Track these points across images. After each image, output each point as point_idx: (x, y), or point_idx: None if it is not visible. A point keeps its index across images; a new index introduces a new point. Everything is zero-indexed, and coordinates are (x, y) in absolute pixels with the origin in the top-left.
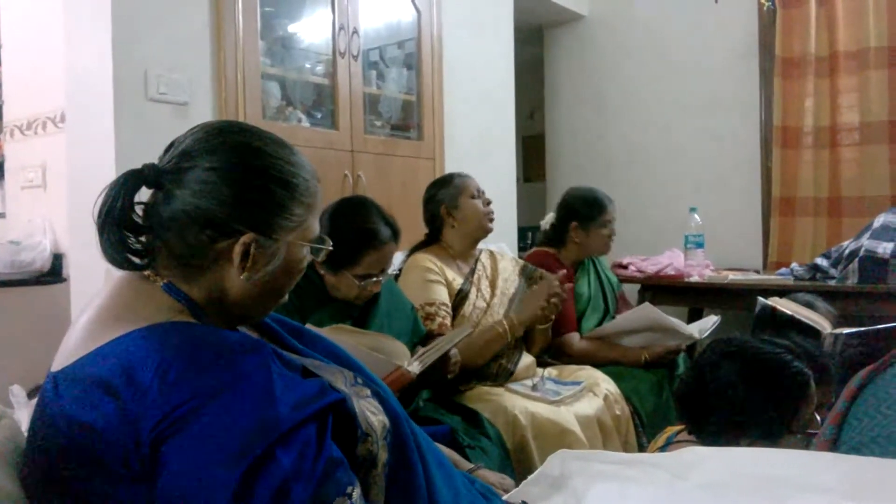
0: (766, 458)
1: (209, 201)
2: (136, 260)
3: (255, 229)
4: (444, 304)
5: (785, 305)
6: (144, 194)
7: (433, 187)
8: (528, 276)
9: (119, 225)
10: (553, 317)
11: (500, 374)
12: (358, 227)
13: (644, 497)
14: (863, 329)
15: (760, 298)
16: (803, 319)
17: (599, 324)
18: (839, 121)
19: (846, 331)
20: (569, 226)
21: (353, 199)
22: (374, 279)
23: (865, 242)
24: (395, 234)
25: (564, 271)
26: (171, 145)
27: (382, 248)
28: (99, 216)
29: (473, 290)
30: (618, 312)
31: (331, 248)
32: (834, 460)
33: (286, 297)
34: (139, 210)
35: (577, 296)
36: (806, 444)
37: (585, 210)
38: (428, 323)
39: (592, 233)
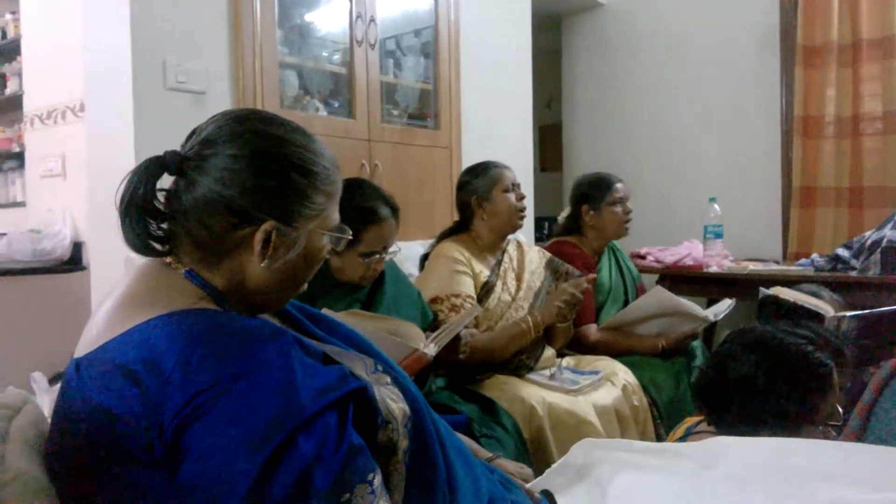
0: (794, 448)
1: (231, 189)
2: (158, 246)
3: (276, 217)
4: (469, 296)
5: (788, 294)
6: (166, 181)
7: (468, 174)
8: (553, 270)
9: (141, 211)
10: (571, 317)
11: (520, 367)
12: (357, 205)
13: (670, 486)
14: (865, 312)
15: (762, 289)
16: (806, 305)
17: None
18: (861, 110)
19: (849, 314)
20: (581, 211)
21: (348, 180)
22: (378, 256)
23: (888, 233)
24: (395, 211)
25: (595, 275)
26: (193, 133)
27: (383, 223)
28: (121, 202)
29: (499, 283)
30: None
31: (350, 237)
32: (863, 451)
33: (306, 285)
34: (161, 197)
35: (598, 285)
36: (829, 436)
37: (593, 191)
38: (452, 314)
39: (605, 212)
